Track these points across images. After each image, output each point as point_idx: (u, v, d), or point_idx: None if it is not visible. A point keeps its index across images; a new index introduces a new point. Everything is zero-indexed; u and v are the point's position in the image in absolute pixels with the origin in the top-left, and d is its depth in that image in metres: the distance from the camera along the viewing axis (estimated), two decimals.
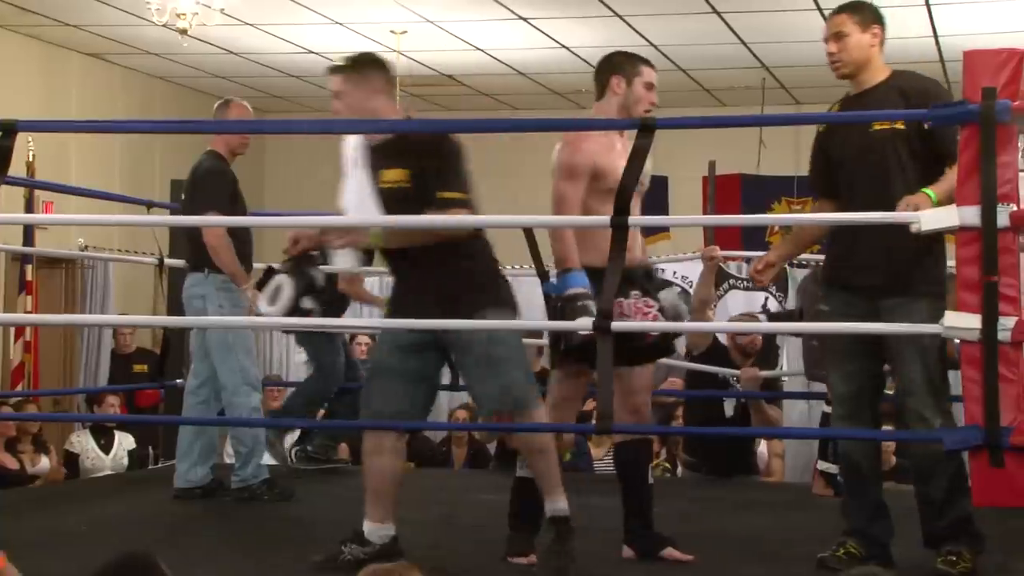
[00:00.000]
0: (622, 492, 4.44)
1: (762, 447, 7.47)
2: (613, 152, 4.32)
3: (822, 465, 6.03)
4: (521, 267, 6.85)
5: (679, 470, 7.45)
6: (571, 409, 4.49)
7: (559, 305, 4.18)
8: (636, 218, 4.14)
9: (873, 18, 4.27)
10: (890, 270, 4.12)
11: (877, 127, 4.16)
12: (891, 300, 4.11)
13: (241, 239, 5.67)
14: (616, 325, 4.05)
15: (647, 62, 4.46)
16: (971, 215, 3.91)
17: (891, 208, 4.01)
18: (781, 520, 5.48)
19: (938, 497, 4.13)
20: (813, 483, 6.19)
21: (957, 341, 4.00)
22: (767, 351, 6.98)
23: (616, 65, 4.44)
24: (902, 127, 4.14)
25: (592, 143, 4.30)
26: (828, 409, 5.71)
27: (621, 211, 4.15)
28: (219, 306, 5.59)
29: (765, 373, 6.64)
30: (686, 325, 4.41)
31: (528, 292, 8.63)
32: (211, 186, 5.65)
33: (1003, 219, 3.89)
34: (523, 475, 4.34)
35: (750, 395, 6.58)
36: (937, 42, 9.82)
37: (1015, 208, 3.92)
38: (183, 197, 5.92)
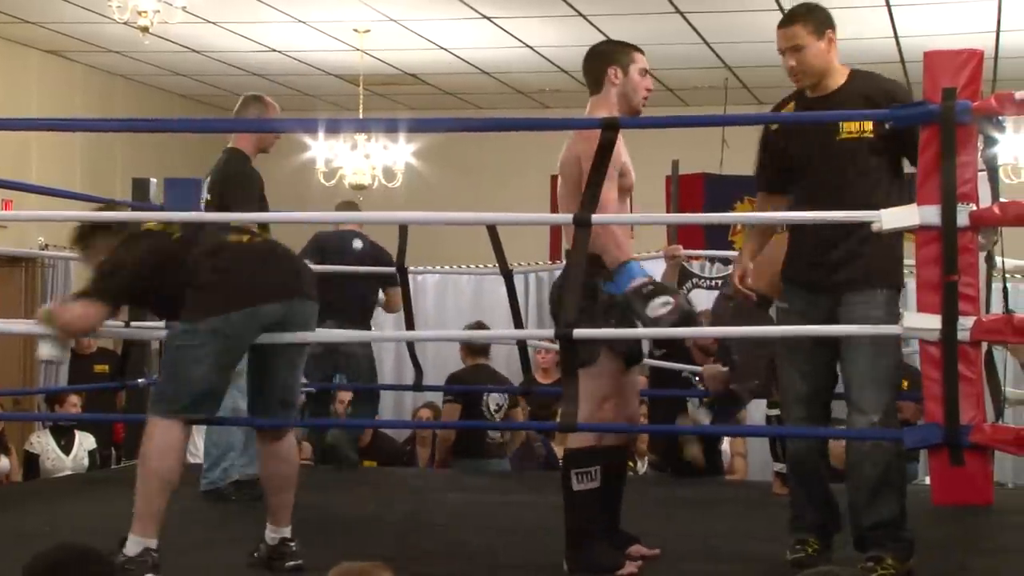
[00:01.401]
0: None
1: (725, 446, 7.50)
2: (623, 147, 4.24)
3: (777, 466, 6.04)
4: (486, 266, 6.86)
5: (638, 466, 7.47)
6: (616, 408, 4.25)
7: (626, 301, 4.03)
8: (600, 216, 4.13)
9: (825, 22, 4.20)
10: (857, 268, 4.11)
11: (844, 135, 4.13)
12: (854, 296, 4.10)
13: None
14: (578, 333, 4.05)
15: (638, 48, 4.35)
16: (931, 214, 3.94)
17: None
18: (743, 519, 5.50)
19: (862, 499, 4.04)
20: (773, 483, 6.22)
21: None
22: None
23: (610, 55, 4.31)
24: (870, 135, 4.11)
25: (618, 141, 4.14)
26: (771, 412, 5.73)
27: (589, 210, 4.16)
28: None
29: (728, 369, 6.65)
30: (658, 331, 4.34)
31: (492, 291, 8.65)
32: (242, 189, 5.52)
33: (963, 218, 3.92)
34: (580, 488, 4.12)
35: (714, 394, 6.60)
36: (898, 43, 9.88)
37: (974, 208, 3.95)
38: (208, 197, 5.62)
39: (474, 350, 7.73)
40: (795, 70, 4.18)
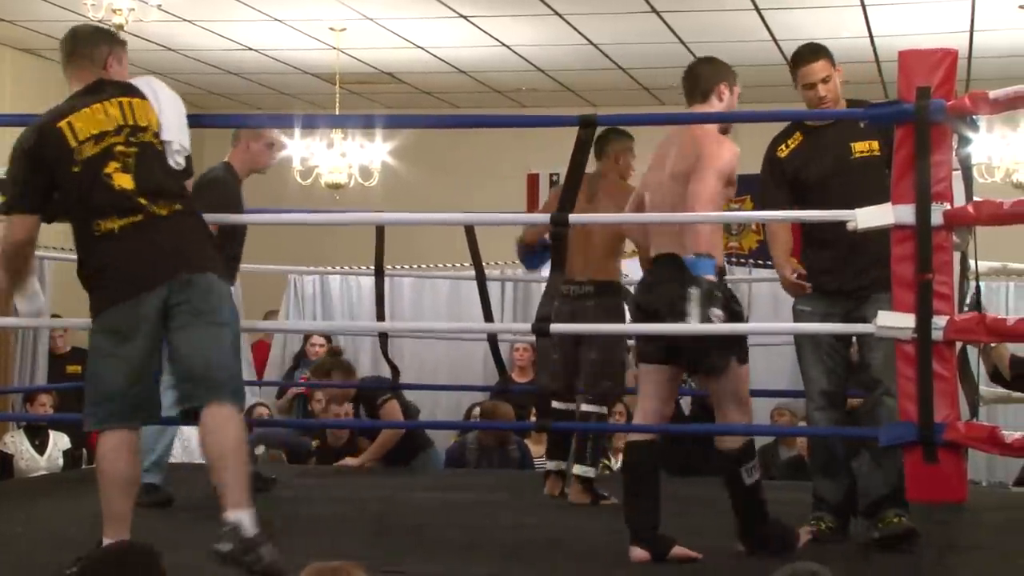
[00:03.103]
0: (634, 492, 4.35)
1: None
2: None
3: (579, 469, 5.77)
4: (463, 264, 6.85)
5: (613, 464, 7.48)
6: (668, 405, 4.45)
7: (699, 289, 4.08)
8: (577, 216, 4.15)
9: (833, 57, 4.66)
10: (879, 273, 4.23)
11: (857, 155, 4.52)
12: (879, 295, 4.26)
13: (234, 240, 5.56)
14: (555, 327, 4.06)
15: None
16: (906, 214, 3.97)
17: None
18: (720, 516, 5.49)
19: (893, 467, 4.40)
20: (546, 483, 6.02)
21: None
22: None
23: (723, 72, 4.45)
24: (878, 154, 4.49)
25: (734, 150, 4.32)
26: (589, 408, 5.69)
27: (563, 208, 4.18)
28: None
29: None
30: (636, 327, 4.36)
31: (469, 290, 8.67)
32: (208, 195, 5.40)
33: (937, 217, 3.94)
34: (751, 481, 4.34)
35: (695, 394, 6.66)
36: (872, 42, 9.91)
37: (948, 207, 3.97)
38: None
39: None
40: (826, 99, 4.61)
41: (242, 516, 3.72)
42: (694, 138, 4.29)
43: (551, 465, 6.03)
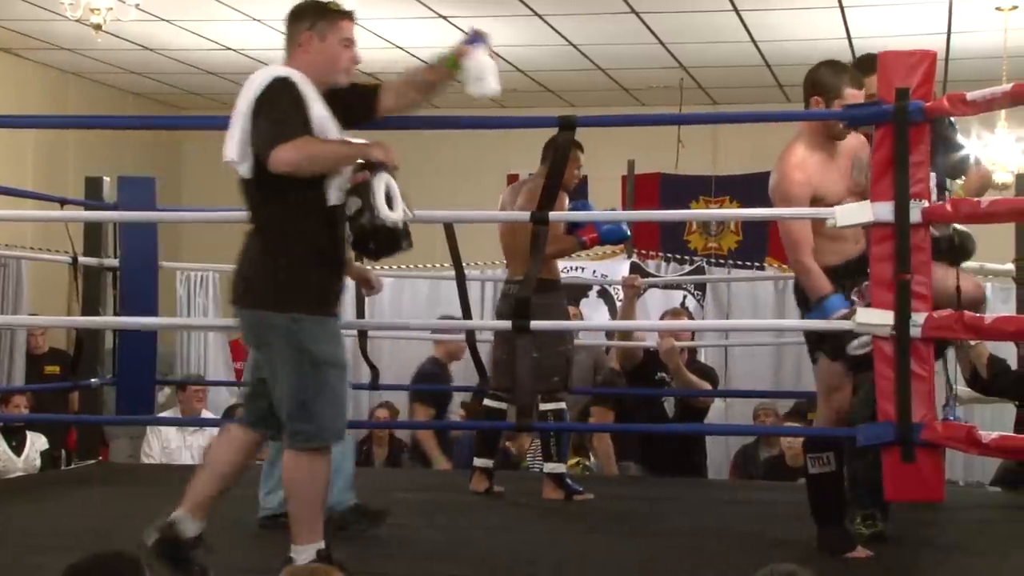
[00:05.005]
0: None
1: None
2: (828, 169, 4.26)
3: (549, 467, 5.77)
4: (442, 265, 6.85)
5: (591, 462, 7.50)
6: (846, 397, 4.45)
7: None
8: (557, 213, 4.17)
9: None
10: None
11: None
12: None
13: None
14: (535, 324, 4.07)
15: (855, 81, 4.28)
16: (885, 211, 3.99)
17: None
18: (719, 516, 5.49)
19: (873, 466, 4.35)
20: (472, 479, 5.97)
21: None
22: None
23: (818, 84, 4.29)
24: None
25: (808, 171, 4.20)
26: (548, 407, 5.67)
27: (546, 207, 4.20)
28: None
29: (682, 343, 6.71)
30: (614, 324, 4.40)
31: (448, 292, 8.68)
32: None
33: (915, 215, 3.97)
34: (814, 472, 4.35)
35: (679, 393, 6.67)
36: (851, 44, 9.95)
37: (927, 204, 4.00)
38: None
39: None
40: None
41: (300, 550, 3.71)
42: (779, 167, 4.27)
43: (478, 462, 6.00)
